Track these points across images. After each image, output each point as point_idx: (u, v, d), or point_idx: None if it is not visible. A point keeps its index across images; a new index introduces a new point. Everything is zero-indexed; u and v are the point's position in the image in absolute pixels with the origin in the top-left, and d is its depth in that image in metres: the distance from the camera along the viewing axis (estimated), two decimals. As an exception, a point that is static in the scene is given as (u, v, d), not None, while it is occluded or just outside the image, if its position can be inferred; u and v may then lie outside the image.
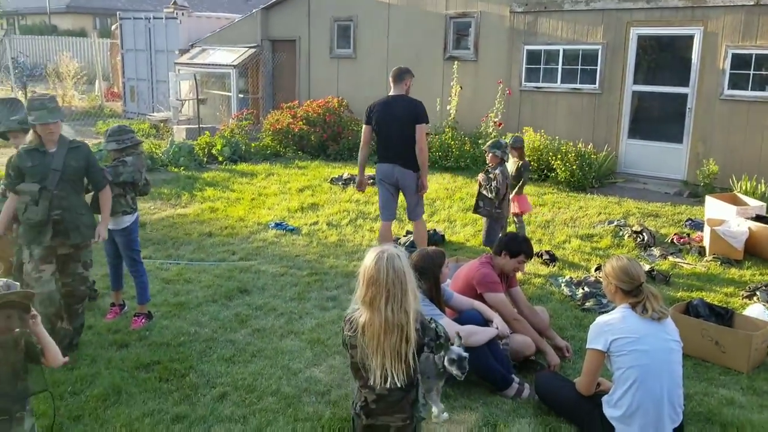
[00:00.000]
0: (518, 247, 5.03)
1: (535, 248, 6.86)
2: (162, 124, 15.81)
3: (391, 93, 6.62)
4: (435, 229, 7.83)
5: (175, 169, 11.33)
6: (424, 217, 7.04)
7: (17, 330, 2.91)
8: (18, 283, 3.02)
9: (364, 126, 6.78)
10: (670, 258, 7.10)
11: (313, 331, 5.32)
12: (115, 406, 4.14)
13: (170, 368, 4.63)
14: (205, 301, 5.90)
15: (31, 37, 30.73)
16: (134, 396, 4.27)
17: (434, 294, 4.60)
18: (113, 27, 21.94)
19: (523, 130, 11.15)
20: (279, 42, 15.79)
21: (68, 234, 4.61)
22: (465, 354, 3.91)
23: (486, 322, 4.64)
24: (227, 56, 15.92)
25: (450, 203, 9.32)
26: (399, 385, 2.86)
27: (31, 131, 4.60)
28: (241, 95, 15.79)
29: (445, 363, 3.88)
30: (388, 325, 2.80)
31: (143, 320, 5.41)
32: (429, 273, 4.49)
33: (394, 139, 6.54)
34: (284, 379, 4.57)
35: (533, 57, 11.73)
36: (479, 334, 4.47)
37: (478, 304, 4.81)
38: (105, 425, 3.93)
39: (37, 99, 4.46)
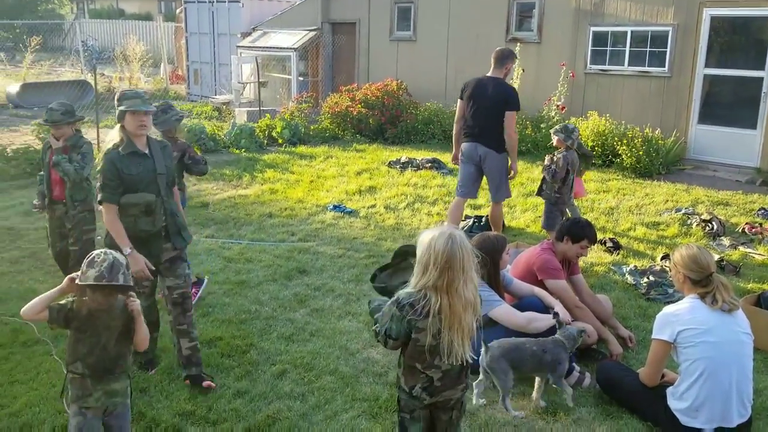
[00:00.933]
0: (581, 231, 4.92)
1: (599, 235, 6.70)
2: (224, 107, 16.09)
3: (489, 74, 6.75)
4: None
5: (237, 151, 11.52)
6: (484, 202, 6.97)
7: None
8: (123, 258, 3.11)
9: (458, 101, 6.93)
10: (741, 248, 6.82)
11: (370, 312, 5.34)
12: (179, 379, 4.26)
13: (232, 344, 4.73)
14: (265, 281, 6.00)
15: (100, 21, 31.73)
16: (197, 370, 4.38)
17: (493, 279, 4.55)
18: (178, 11, 22.39)
19: (588, 114, 10.87)
20: (339, 24, 15.80)
21: (171, 239, 4.19)
22: (580, 336, 4.12)
23: (546, 309, 4.57)
24: (288, 39, 16.04)
25: (510, 188, 9.14)
26: (466, 359, 2.88)
27: (117, 130, 3.98)
28: (300, 78, 15.90)
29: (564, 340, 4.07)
30: (467, 305, 2.81)
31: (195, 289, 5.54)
32: (489, 257, 4.43)
33: (481, 120, 6.63)
34: (342, 359, 4.61)
35: (599, 39, 11.39)
36: (540, 321, 4.40)
37: (538, 291, 4.73)
38: (169, 397, 4.05)
39: (129, 90, 4.06)
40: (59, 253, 5.58)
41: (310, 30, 15.91)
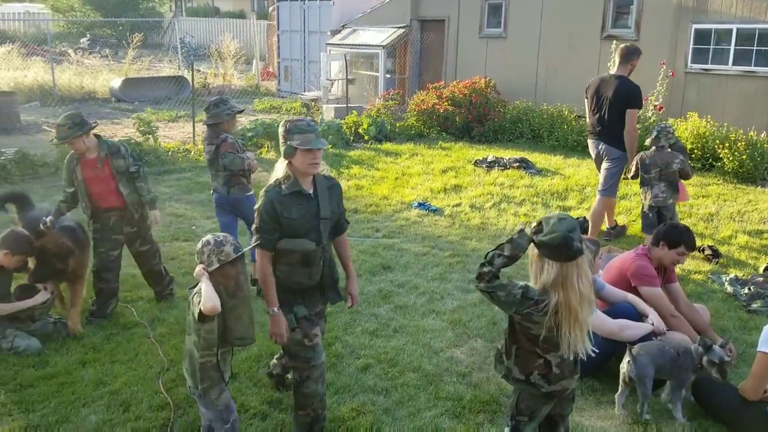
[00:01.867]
0: (678, 237, 4.70)
1: (697, 242, 6.40)
2: (312, 103, 16.41)
3: (613, 71, 6.89)
4: (585, 217, 7.47)
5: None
6: (574, 203, 6.79)
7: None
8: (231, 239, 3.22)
9: (585, 99, 7.22)
10: None
11: (454, 312, 5.31)
12: (265, 367, 4.36)
13: (317, 336, 4.80)
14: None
15: (196, 18, 32.99)
16: (284, 360, 4.48)
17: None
18: (270, 9, 22.98)
19: (687, 116, 10.38)
20: (428, 22, 15.77)
21: (326, 293, 3.65)
22: (728, 359, 3.85)
23: (640, 317, 4.39)
24: (376, 36, 16.16)
25: (617, 189, 8.87)
26: (582, 354, 2.91)
27: (282, 165, 3.43)
28: (388, 75, 15.98)
29: (704, 362, 3.86)
30: (583, 299, 2.82)
31: None
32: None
33: (603, 118, 6.84)
34: (425, 357, 4.60)
35: (702, 36, 10.85)
36: (633, 329, 4.24)
37: (632, 297, 4.56)
38: (258, 384, 4.16)
39: (300, 120, 3.37)
40: (113, 260, 5.15)
41: (399, 27, 15.96)
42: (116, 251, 5.15)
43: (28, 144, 10.98)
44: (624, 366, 3.95)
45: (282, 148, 3.38)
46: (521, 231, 2.89)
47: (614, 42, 11.49)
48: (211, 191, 5.87)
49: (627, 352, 3.96)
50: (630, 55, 6.80)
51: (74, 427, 3.72)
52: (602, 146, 6.92)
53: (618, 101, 6.66)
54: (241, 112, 5.86)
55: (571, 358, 2.94)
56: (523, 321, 2.89)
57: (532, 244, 2.86)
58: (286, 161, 3.39)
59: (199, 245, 3.20)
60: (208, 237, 3.20)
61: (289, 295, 3.46)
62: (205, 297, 3.03)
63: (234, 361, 4.40)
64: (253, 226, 3.41)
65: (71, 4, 35.44)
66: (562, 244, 2.77)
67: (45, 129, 13.36)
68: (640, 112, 10.88)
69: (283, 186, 3.38)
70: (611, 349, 4.21)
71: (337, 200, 3.59)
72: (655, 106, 10.70)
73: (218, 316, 3.13)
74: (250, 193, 5.81)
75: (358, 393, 4.12)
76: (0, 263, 4.66)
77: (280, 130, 3.39)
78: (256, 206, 3.41)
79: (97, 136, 5.00)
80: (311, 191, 3.44)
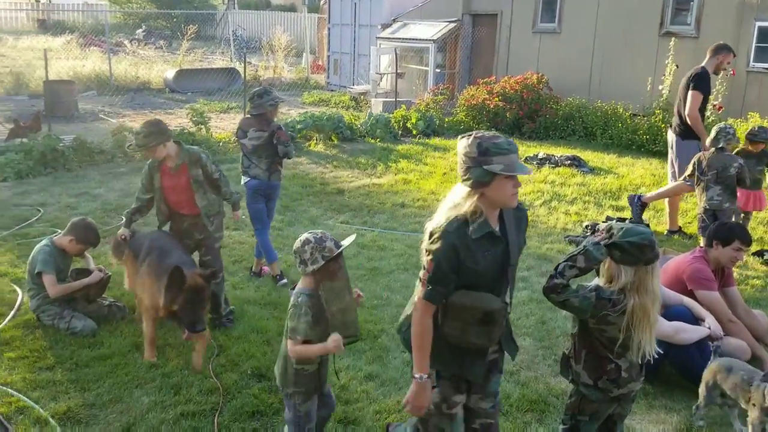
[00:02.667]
0: (729, 233, 4.55)
1: (754, 247, 6.19)
2: (361, 97, 16.44)
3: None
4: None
5: (372, 141, 11.72)
6: (628, 203, 6.66)
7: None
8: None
9: None
10: None
11: (502, 309, 5.25)
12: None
13: (364, 328, 4.80)
14: (396, 269, 6.06)
15: (248, 11, 33.36)
16: (332, 350, 4.50)
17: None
18: (322, 2, 23.12)
19: (748, 116, 10.04)
20: (480, 16, 15.62)
21: (504, 346, 2.98)
22: None
23: (696, 321, 4.27)
24: (427, 31, 16.08)
25: (657, 190, 8.65)
26: (649, 356, 2.89)
27: (464, 194, 2.68)
28: (438, 70, 15.90)
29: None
30: (655, 299, 2.81)
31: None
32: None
33: (676, 107, 7.13)
34: (472, 354, 4.56)
35: (765, 34, 10.47)
36: (689, 333, 4.12)
37: (688, 301, 4.43)
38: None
39: (497, 138, 2.63)
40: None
41: (450, 21, 15.85)
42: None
43: (85, 131, 11.30)
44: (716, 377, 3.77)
45: (469, 174, 2.61)
46: (596, 244, 2.82)
47: (673, 39, 11.20)
48: (245, 179, 5.81)
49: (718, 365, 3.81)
50: (718, 50, 6.87)
51: (127, 407, 3.81)
52: (670, 135, 7.18)
53: (685, 87, 6.81)
54: (282, 102, 5.88)
55: (639, 361, 2.91)
56: (598, 324, 2.86)
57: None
58: (474, 191, 2.63)
59: (298, 244, 3.10)
60: (307, 236, 3.11)
61: (451, 355, 2.79)
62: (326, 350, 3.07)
63: (264, 361, 4.39)
64: (423, 272, 2.69)
65: (128, -5, 36.31)
66: (643, 248, 2.76)
67: (102, 117, 13.73)
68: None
69: (472, 227, 2.64)
70: (664, 353, 4.10)
71: (524, 235, 2.92)
72: (715, 105, 10.37)
73: (322, 325, 3.09)
74: (281, 181, 6.03)
75: (404, 386, 4.10)
76: (64, 247, 4.82)
77: (468, 149, 2.61)
78: (433, 247, 2.63)
79: (177, 143, 4.83)
80: (497, 228, 2.74)
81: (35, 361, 4.27)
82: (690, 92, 6.75)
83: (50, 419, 3.65)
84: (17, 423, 3.61)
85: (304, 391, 3.21)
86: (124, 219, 5.01)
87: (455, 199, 2.70)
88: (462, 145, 2.66)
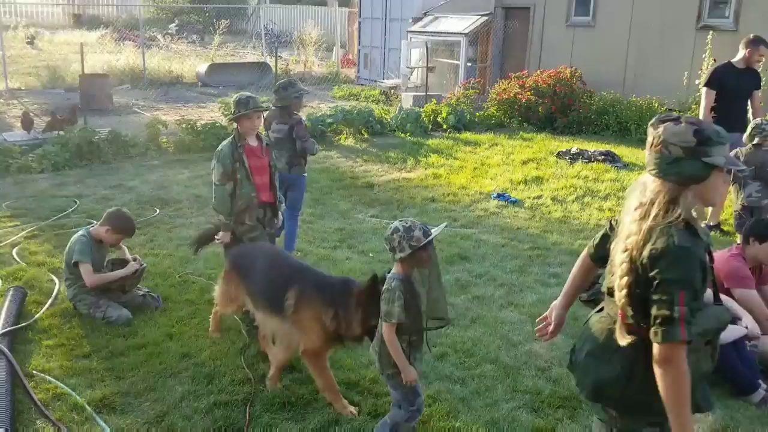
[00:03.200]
0: (766, 230, 4.46)
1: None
2: (391, 91, 16.41)
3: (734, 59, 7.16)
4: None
5: (402, 135, 11.70)
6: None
7: None
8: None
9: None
10: None
11: (534, 305, 5.20)
12: (345, 350, 4.37)
13: (395, 322, 4.81)
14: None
15: (279, 6, 33.49)
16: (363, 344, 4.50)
17: None
18: (353, -4, 23.13)
19: (788, 111, 9.78)
20: (512, 9, 15.47)
21: None
22: None
23: (733, 320, 4.18)
24: (458, 24, 15.98)
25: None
26: None
27: (683, 193, 2.23)
28: (469, 64, 15.79)
29: None
30: None
31: None
32: None
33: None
34: (503, 349, 4.54)
35: (808, 27, 10.19)
36: (725, 331, 4.03)
37: (724, 299, 4.34)
38: (335, 366, 4.19)
39: (708, 128, 2.22)
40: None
41: (482, 15, 15.72)
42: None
43: (119, 125, 11.48)
44: None
45: (680, 166, 2.21)
46: None
47: (710, 33, 10.96)
48: None
49: None
50: (748, 44, 6.86)
51: (161, 396, 3.86)
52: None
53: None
54: (306, 93, 5.90)
55: None
56: None
57: None
58: (682, 188, 2.21)
59: (388, 232, 3.19)
60: (396, 224, 3.18)
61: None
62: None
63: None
64: (672, 305, 2.13)
65: (162, -10, 36.72)
66: None
67: (135, 110, 13.93)
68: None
69: (701, 233, 2.22)
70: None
71: None
72: (753, 100, 10.14)
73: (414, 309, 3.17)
74: (305, 174, 6.01)
75: (434, 381, 4.10)
76: (101, 237, 4.90)
77: (682, 137, 2.20)
78: (675, 274, 2.13)
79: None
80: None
81: (72, 349, 4.36)
82: (755, 93, 6.93)
83: (86, 406, 3.72)
84: (54, 409, 3.69)
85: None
86: (226, 222, 4.48)
87: (647, 200, 2.26)
88: (670, 132, 2.22)
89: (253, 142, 4.64)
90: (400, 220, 3.22)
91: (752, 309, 4.30)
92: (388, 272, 3.31)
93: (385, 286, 3.24)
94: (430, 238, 3.15)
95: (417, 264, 3.18)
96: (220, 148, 4.54)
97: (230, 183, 4.50)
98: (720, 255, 4.68)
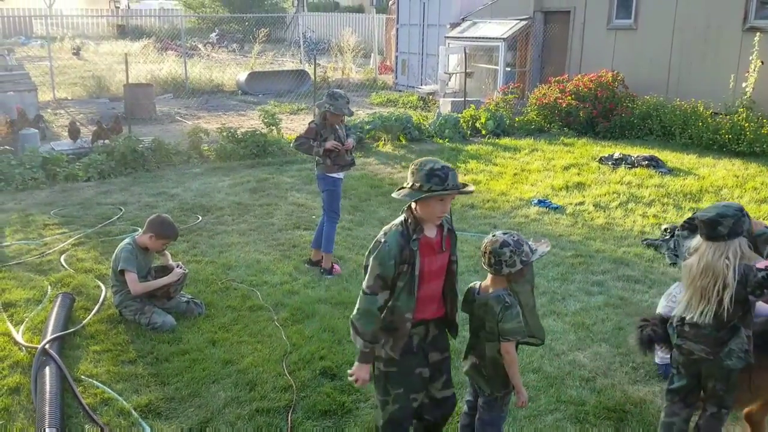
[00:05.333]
0: None
1: None
2: (429, 97, 16.38)
3: None
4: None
5: (441, 141, 11.66)
6: (706, 205, 6.33)
7: None
8: None
9: None
10: None
11: (576, 314, 5.12)
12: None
13: (436, 330, 4.78)
14: (467, 270, 5.99)
15: (317, 13, 33.83)
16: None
17: None
18: (390, 2, 23.17)
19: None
20: (552, 13, 15.31)
21: None
22: None
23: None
24: (497, 29, 15.88)
25: (740, 193, 8.27)
26: None
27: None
28: (508, 69, 15.67)
29: None
30: None
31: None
32: None
33: None
34: (546, 359, 4.46)
35: None
36: None
37: None
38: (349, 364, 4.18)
39: None
40: None
41: (521, 19, 15.60)
42: None
43: (162, 133, 11.70)
44: None
45: None
46: None
47: (758, 34, 10.67)
48: None
49: None
50: None
51: (205, 401, 3.90)
52: None
53: None
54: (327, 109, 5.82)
55: None
56: None
57: None
58: None
59: (495, 245, 3.00)
60: (504, 237, 3.03)
61: None
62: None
63: (353, 349, 4.47)
64: None
65: (202, 0, 37.41)
66: None
67: (178, 119, 14.19)
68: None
69: None
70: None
71: None
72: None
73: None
74: (332, 174, 5.92)
75: (460, 388, 4.05)
76: (145, 245, 4.98)
77: None
78: None
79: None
80: None
81: (118, 355, 4.44)
82: None
83: (133, 411, 3.78)
84: (102, 414, 3.76)
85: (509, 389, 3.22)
86: (365, 351, 3.13)
87: None
88: None
89: (431, 233, 3.08)
90: (504, 233, 3.06)
91: None
92: (478, 292, 3.17)
93: (501, 304, 3.02)
94: (540, 256, 3.08)
95: (516, 279, 3.04)
96: (384, 240, 3.00)
97: (386, 293, 3.04)
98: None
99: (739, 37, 11.29)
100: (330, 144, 5.75)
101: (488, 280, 3.14)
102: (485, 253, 3.04)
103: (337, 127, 5.89)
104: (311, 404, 3.88)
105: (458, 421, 3.51)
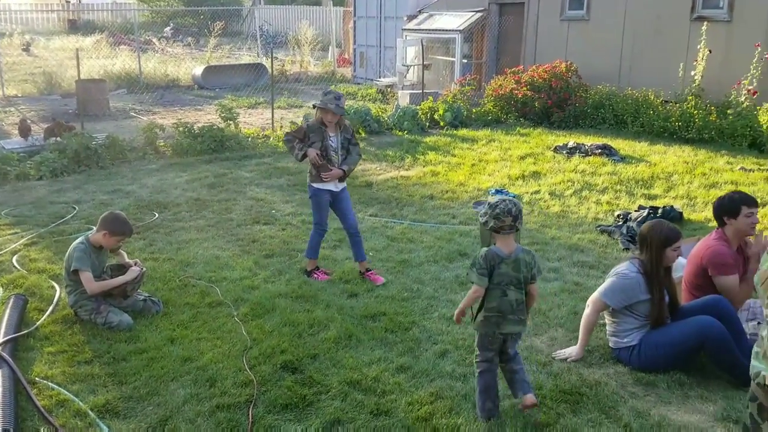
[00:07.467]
0: (732, 203, 4.47)
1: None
2: (388, 89, 16.42)
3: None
4: (672, 206, 7.22)
5: (400, 133, 11.71)
6: (660, 192, 6.53)
7: None
8: None
9: None
10: None
11: (534, 300, 5.21)
12: (345, 349, 4.42)
13: (395, 321, 4.83)
14: (426, 261, 6.05)
15: (274, 6, 33.51)
16: (363, 342, 4.52)
17: (652, 270, 4.21)
18: (347, -5, 23.11)
19: (784, 100, 9.80)
20: (507, 5, 15.48)
21: None
22: None
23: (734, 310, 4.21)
24: (453, 21, 15.99)
25: (690, 178, 8.51)
26: None
27: None
28: (464, 60, 15.80)
29: None
30: None
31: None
32: (649, 245, 4.18)
33: None
34: (504, 345, 4.53)
35: (802, 15, 10.20)
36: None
37: None
38: (337, 365, 4.21)
39: None
40: None
41: (477, 11, 15.73)
42: None
43: (117, 129, 11.49)
44: None
45: None
46: None
47: (705, 24, 10.97)
48: None
49: None
50: None
51: (164, 400, 3.87)
52: None
53: None
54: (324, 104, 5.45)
55: None
56: None
57: None
58: None
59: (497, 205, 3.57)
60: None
61: None
62: None
63: (314, 341, 4.51)
64: None
65: (156, -6, 36.71)
66: None
67: (132, 115, 13.93)
68: (732, 96, 10.45)
69: None
70: (700, 343, 4.05)
71: None
72: (749, 90, 10.16)
73: None
74: (314, 184, 5.52)
75: (435, 378, 4.11)
76: (99, 243, 4.90)
77: None
78: None
79: None
80: None
81: (74, 356, 4.36)
82: None
83: (89, 412, 3.73)
84: (58, 416, 3.70)
85: None
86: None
87: None
88: None
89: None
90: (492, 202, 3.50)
91: (731, 296, 4.31)
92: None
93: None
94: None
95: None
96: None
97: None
98: (703, 242, 4.66)
99: (687, 26, 11.59)
100: (311, 153, 5.36)
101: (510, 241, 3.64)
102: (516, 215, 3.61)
103: (331, 133, 5.43)
104: (272, 398, 3.88)
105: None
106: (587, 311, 4.33)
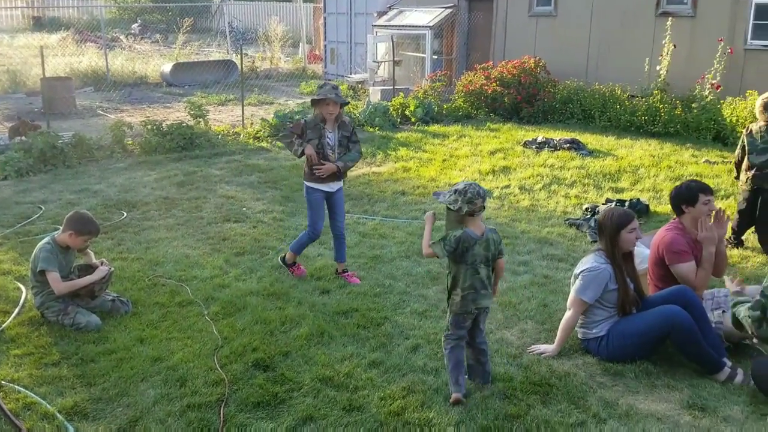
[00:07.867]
0: (689, 192, 4.60)
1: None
2: (359, 86, 16.40)
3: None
4: (639, 199, 7.34)
5: (371, 129, 11.71)
6: (627, 185, 6.63)
7: None
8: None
9: None
10: None
11: (503, 294, 5.26)
12: (318, 345, 4.42)
13: (367, 316, 4.84)
14: (398, 257, 6.07)
15: (244, 2, 33.19)
16: (335, 339, 4.53)
17: (612, 254, 4.31)
18: (317, -9, 23.01)
19: (747, 94, 10.01)
20: (476, 1, 15.55)
21: None
22: None
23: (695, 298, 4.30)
24: (423, 17, 16.02)
25: (656, 171, 8.66)
26: None
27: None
28: (435, 56, 15.85)
29: None
30: None
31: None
32: (605, 231, 4.30)
33: None
34: (475, 339, 4.57)
35: (763, 12, 10.41)
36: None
37: None
38: (309, 362, 4.22)
39: None
40: None
41: (446, 7, 15.78)
42: None
43: (84, 128, 11.30)
44: None
45: None
46: None
47: (669, 19, 11.15)
48: None
49: None
50: None
51: (134, 400, 3.83)
52: None
53: None
54: (320, 100, 5.28)
55: None
56: None
57: None
58: None
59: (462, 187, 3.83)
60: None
61: None
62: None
63: (286, 339, 4.50)
64: None
65: (123, -10, 36.12)
66: None
67: (100, 113, 13.72)
68: (696, 90, 10.64)
69: None
70: (666, 333, 4.13)
71: None
72: (712, 84, 10.36)
73: None
74: (309, 183, 5.43)
75: (407, 373, 4.13)
76: (65, 243, 4.82)
77: None
78: None
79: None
80: None
81: (41, 358, 4.30)
82: None
83: (57, 414, 3.68)
84: (25, 419, 3.64)
85: None
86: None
87: None
88: None
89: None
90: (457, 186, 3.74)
91: (688, 282, 4.42)
92: None
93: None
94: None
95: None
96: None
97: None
98: (658, 233, 4.77)
99: (652, 22, 11.77)
100: (307, 150, 5.25)
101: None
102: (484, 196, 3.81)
103: (329, 130, 5.33)
104: (244, 396, 3.86)
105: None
106: (569, 314, 4.36)
